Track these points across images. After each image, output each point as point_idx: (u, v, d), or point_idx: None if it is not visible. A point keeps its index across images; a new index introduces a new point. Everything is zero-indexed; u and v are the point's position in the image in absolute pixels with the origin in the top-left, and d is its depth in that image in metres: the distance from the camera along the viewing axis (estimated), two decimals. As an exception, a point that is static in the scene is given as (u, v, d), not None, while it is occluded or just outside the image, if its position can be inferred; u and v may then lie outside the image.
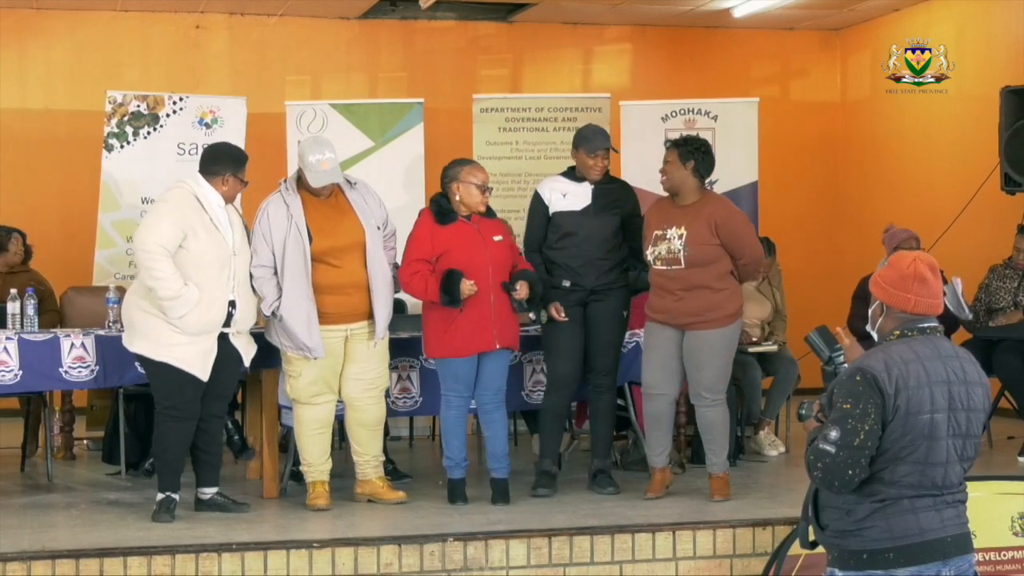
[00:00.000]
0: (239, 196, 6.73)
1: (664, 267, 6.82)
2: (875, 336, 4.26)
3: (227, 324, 6.50)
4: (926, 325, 4.19)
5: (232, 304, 6.48)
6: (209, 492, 6.69)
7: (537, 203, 7.18)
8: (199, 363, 6.42)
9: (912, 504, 4.07)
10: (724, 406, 6.91)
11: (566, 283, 7.04)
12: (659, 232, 6.85)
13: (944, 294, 4.37)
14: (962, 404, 4.12)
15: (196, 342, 6.41)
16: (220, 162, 6.58)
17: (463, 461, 6.89)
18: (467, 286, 6.66)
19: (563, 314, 6.99)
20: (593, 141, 7.11)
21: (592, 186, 7.09)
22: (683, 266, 6.78)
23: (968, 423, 4.13)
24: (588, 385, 7.20)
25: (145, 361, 6.50)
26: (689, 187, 6.86)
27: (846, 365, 4.31)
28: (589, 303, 7.06)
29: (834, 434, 4.05)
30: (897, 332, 4.17)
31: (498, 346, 6.80)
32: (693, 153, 6.85)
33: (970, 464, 4.18)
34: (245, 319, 6.59)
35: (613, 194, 7.14)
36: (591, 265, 7.05)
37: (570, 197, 7.09)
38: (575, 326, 7.04)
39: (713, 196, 7.11)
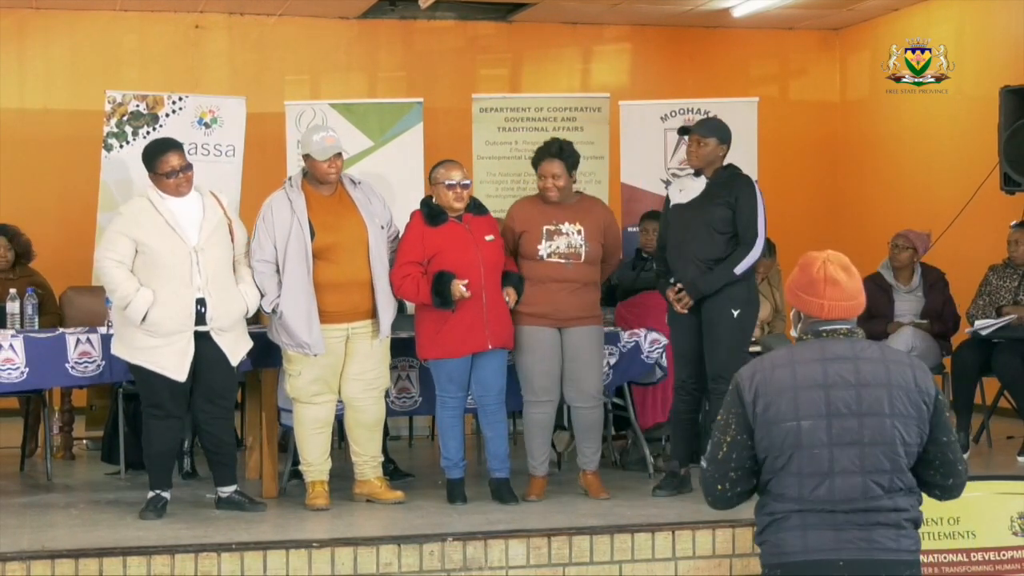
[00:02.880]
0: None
1: (562, 261, 6.82)
2: None
3: (201, 322, 6.50)
4: (824, 328, 3.91)
5: (201, 302, 6.48)
6: (227, 491, 6.71)
7: (665, 202, 7.08)
8: (173, 364, 6.45)
9: (802, 520, 3.79)
10: (601, 408, 6.99)
11: (672, 279, 6.86)
12: (550, 227, 6.84)
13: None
14: (849, 409, 3.77)
15: (170, 343, 6.44)
16: (145, 168, 6.65)
17: (461, 461, 6.88)
18: (459, 288, 6.65)
19: (683, 299, 6.79)
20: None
21: (708, 179, 6.90)
22: (583, 261, 6.84)
23: (862, 429, 3.77)
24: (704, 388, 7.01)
25: (127, 364, 6.60)
26: (571, 191, 6.95)
27: None
28: (703, 303, 6.80)
29: (708, 448, 3.91)
30: (804, 336, 3.94)
31: (491, 346, 6.79)
32: (575, 163, 6.93)
33: (892, 478, 3.79)
34: (222, 315, 6.53)
35: (721, 185, 6.86)
36: (689, 259, 6.81)
37: (686, 191, 6.95)
38: (690, 327, 6.85)
39: (590, 196, 7.22)
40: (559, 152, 6.89)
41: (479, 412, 6.97)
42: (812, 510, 3.78)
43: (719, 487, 3.89)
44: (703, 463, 3.93)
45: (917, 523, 3.88)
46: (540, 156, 6.94)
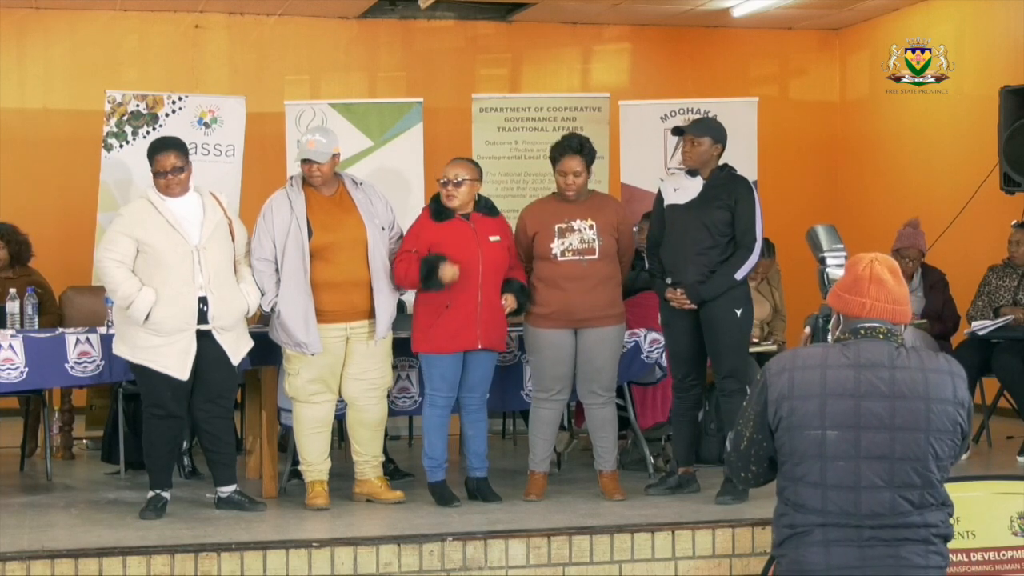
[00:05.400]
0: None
1: (576, 258, 6.80)
2: None
3: (204, 321, 6.50)
4: (862, 326, 3.71)
5: (203, 301, 6.49)
6: (227, 491, 6.71)
7: (656, 199, 7.06)
8: (175, 363, 6.46)
9: (824, 535, 3.61)
10: (614, 405, 6.98)
11: (668, 280, 6.85)
12: (563, 225, 6.82)
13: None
14: (881, 422, 3.59)
15: (172, 342, 6.45)
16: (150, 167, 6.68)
17: (445, 462, 6.88)
18: (449, 270, 6.62)
19: (683, 300, 6.75)
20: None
21: (704, 180, 6.85)
22: (597, 256, 6.81)
23: (893, 443, 3.59)
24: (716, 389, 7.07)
25: (128, 363, 6.60)
26: (586, 188, 6.95)
27: (839, 272, 4.06)
28: (703, 304, 6.77)
29: (731, 432, 3.81)
30: (842, 336, 3.73)
31: (480, 346, 6.78)
32: (593, 159, 6.93)
33: (923, 493, 3.63)
34: (224, 314, 6.55)
35: (720, 187, 6.83)
36: (688, 261, 6.79)
37: (680, 191, 6.91)
38: (685, 328, 6.83)
39: (602, 193, 7.24)
40: (580, 149, 6.87)
41: (461, 411, 6.95)
42: (836, 524, 3.60)
43: (743, 474, 3.81)
44: (728, 446, 3.83)
45: (947, 538, 3.72)
46: (561, 152, 6.90)
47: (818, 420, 3.61)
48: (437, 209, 6.83)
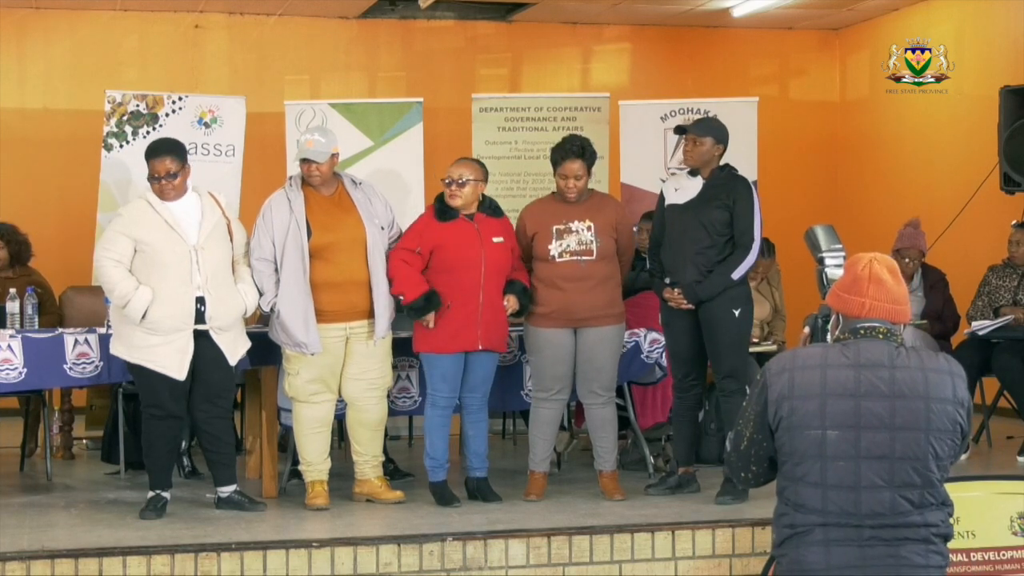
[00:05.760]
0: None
1: (575, 259, 6.80)
2: None
3: (201, 321, 6.50)
4: (862, 326, 3.72)
5: (200, 301, 6.49)
6: (226, 491, 6.70)
7: (659, 199, 7.06)
8: (173, 363, 6.46)
9: (825, 534, 3.62)
10: (614, 405, 6.99)
11: (667, 280, 6.84)
12: (560, 226, 6.82)
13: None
14: (881, 421, 3.60)
15: (169, 342, 6.46)
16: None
17: (447, 462, 6.88)
18: (430, 318, 6.68)
19: (680, 299, 6.75)
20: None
21: (704, 180, 6.84)
22: (594, 257, 6.81)
23: (894, 443, 3.60)
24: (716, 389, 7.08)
25: (126, 363, 6.61)
26: (587, 190, 6.94)
27: (838, 272, 4.09)
28: (701, 304, 6.77)
29: (731, 432, 3.83)
30: (841, 336, 3.75)
31: (481, 347, 6.78)
32: (594, 161, 6.93)
33: (923, 493, 3.65)
34: (221, 314, 6.55)
35: (719, 186, 6.82)
36: (686, 261, 6.78)
37: (681, 191, 6.90)
38: (685, 328, 6.83)
39: (601, 193, 7.24)
40: (581, 152, 6.85)
41: (462, 411, 6.96)
42: (836, 524, 3.62)
43: (743, 474, 3.82)
44: (728, 446, 3.84)
45: (947, 537, 3.73)
46: (563, 155, 6.88)
47: (818, 420, 3.62)
48: (441, 208, 6.83)
